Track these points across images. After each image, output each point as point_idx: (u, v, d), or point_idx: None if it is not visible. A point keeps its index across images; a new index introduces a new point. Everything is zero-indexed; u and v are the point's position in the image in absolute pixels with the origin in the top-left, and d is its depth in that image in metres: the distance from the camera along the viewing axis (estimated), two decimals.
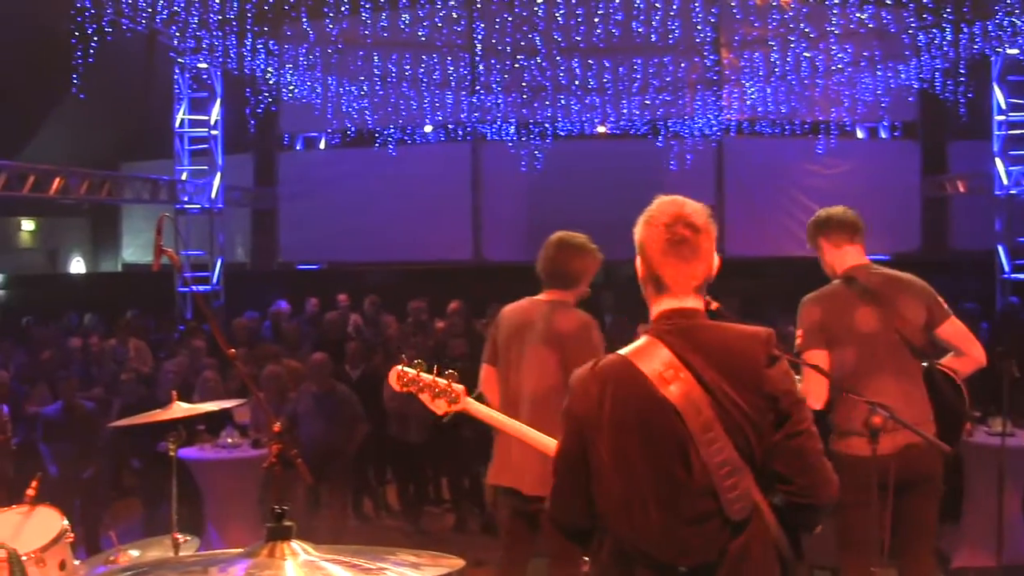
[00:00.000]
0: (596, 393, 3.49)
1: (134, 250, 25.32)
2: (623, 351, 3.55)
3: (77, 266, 26.35)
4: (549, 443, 4.25)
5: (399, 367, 4.47)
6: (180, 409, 6.04)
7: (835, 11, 19.47)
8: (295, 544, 3.17)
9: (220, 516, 10.28)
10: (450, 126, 22.84)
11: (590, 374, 3.56)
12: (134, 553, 5.21)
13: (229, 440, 10.48)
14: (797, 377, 5.74)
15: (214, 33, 17.99)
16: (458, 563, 3.45)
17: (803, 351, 5.83)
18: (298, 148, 24.34)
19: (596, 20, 20.19)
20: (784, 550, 3.47)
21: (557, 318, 6.24)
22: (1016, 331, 14.69)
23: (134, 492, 12.12)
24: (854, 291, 5.89)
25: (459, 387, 4.39)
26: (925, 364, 5.91)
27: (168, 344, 16.39)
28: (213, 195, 20.34)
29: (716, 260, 3.61)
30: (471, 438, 10.97)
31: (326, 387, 11.18)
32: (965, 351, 5.91)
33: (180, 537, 5.42)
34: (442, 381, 4.39)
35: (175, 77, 20.17)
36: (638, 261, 3.63)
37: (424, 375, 4.41)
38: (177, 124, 20.41)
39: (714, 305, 4.82)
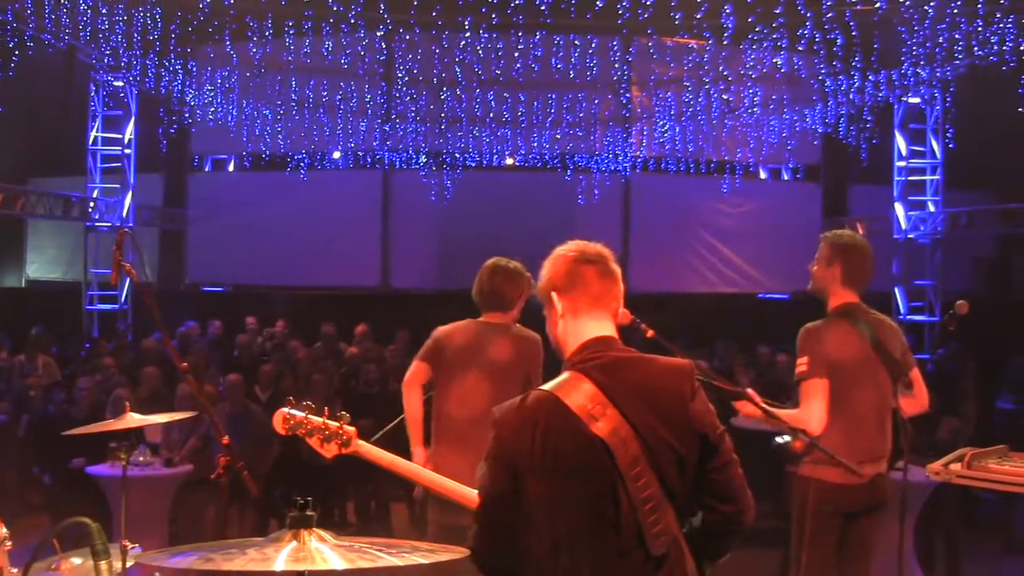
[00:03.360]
0: (527, 433, 3.45)
1: (38, 266, 24.90)
2: (547, 387, 3.54)
3: None
4: (448, 485, 4.12)
5: (285, 409, 4.15)
6: (133, 420, 6.10)
7: (751, 55, 19.90)
8: (315, 534, 3.36)
9: (129, 534, 10.24)
10: (360, 153, 22.85)
11: (518, 413, 3.51)
12: (76, 560, 5.24)
13: (141, 458, 10.49)
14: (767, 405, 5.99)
15: (135, 52, 17.95)
16: (464, 551, 3.57)
17: (807, 378, 5.95)
18: (207, 170, 24.22)
19: (516, 55, 20.44)
20: None
21: (498, 342, 6.49)
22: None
23: (42, 508, 12.05)
24: (858, 328, 6.08)
25: (351, 429, 4.12)
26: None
27: (75, 361, 16.30)
28: (124, 214, 20.22)
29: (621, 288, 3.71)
30: None
31: (240, 407, 11.28)
32: (918, 394, 6.22)
33: (128, 544, 5.48)
34: (333, 424, 4.11)
35: (91, 94, 20.11)
36: (553, 299, 3.69)
37: (313, 417, 4.12)
38: (91, 141, 20.35)
39: (649, 333, 5.05)
